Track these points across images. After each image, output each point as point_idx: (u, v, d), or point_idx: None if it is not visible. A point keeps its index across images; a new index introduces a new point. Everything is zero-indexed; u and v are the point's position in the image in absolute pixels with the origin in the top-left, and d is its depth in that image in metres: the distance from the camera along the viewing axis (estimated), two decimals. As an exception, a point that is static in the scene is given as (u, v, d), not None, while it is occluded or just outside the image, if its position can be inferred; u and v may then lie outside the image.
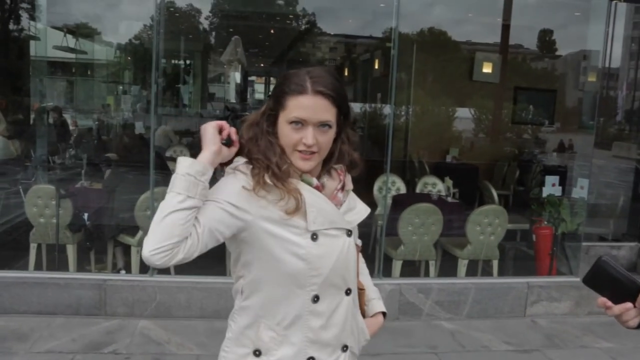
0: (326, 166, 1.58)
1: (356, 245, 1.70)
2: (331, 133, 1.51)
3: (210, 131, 1.45)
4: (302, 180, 1.51)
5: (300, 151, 1.48)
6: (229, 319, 1.64)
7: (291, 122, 1.47)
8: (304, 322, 1.53)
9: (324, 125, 1.48)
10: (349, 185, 1.63)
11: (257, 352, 1.54)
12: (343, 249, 1.53)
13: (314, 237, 1.49)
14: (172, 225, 1.36)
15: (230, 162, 1.53)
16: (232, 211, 1.44)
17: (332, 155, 1.56)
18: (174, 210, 1.37)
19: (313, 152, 1.48)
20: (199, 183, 1.40)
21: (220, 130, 1.48)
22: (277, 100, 1.51)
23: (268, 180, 1.45)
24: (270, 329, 1.53)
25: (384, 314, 1.79)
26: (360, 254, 1.81)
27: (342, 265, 1.54)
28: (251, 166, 1.49)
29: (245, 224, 1.46)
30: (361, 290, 1.73)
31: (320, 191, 1.53)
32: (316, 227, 1.48)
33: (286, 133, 1.48)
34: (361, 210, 1.64)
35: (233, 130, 1.50)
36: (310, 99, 1.46)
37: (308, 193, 1.50)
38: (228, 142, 1.49)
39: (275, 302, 1.52)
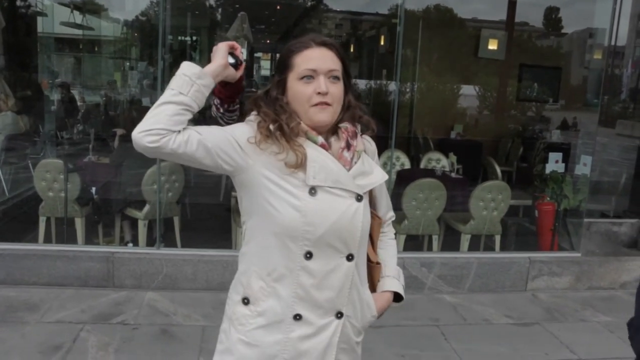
0: (334, 125, 1.57)
1: (377, 216, 1.69)
2: (340, 86, 1.54)
3: (222, 48, 1.52)
4: (307, 138, 1.52)
5: (315, 105, 1.50)
6: (238, 261, 1.67)
7: (302, 78, 1.51)
8: (294, 277, 1.51)
9: (333, 76, 1.52)
10: (360, 146, 1.59)
11: (245, 300, 1.56)
12: (347, 212, 1.51)
13: (312, 191, 1.48)
14: (161, 113, 1.41)
15: (233, 101, 1.64)
16: (236, 147, 1.48)
17: (339, 115, 1.57)
18: (164, 102, 1.43)
19: (328, 104, 1.50)
20: (193, 84, 1.44)
21: (232, 53, 1.54)
22: (284, 64, 1.55)
23: (271, 133, 1.48)
24: (260, 279, 1.54)
25: (397, 296, 1.74)
26: (391, 232, 1.81)
27: (344, 228, 1.51)
28: (258, 120, 1.52)
29: (246, 165, 1.49)
30: (376, 265, 1.71)
31: (326, 149, 1.53)
32: (316, 182, 1.48)
33: (299, 89, 1.51)
34: (377, 176, 1.61)
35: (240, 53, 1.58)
36: (316, 50, 1.52)
37: (312, 150, 1.50)
38: (236, 62, 1.55)
39: (268, 252, 1.52)
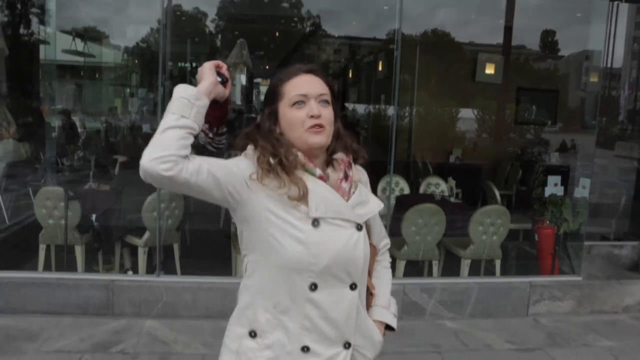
0: (328, 156, 1.60)
1: (373, 245, 1.70)
2: (331, 110, 1.57)
3: (208, 67, 1.53)
4: (306, 171, 1.53)
5: (309, 128, 1.52)
6: (238, 294, 1.66)
7: (294, 104, 1.54)
8: (300, 308, 1.52)
9: (323, 100, 1.55)
10: (356, 175, 1.62)
11: (252, 333, 1.56)
12: (349, 242, 1.52)
13: (315, 223, 1.49)
14: (167, 139, 1.39)
15: (222, 124, 1.63)
16: (242, 180, 1.48)
17: (331, 144, 1.59)
18: (169, 127, 1.41)
19: (322, 126, 1.52)
20: (192, 105, 1.44)
21: (218, 71, 1.56)
22: (273, 94, 1.58)
23: (272, 168, 1.48)
24: (266, 311, 1.54)
25: (388, 327, 1.74)
26: (386, 260, 1.82)
27: (347, 258, 1.52)
28: (257, 154, 1.52)
29: (249, 200, 1.49)
30: (369, 294, 1.71)
31: (324, 181, 1.55)
32: (318, 214, 1.49)
33: (292, 115, 1.53)
34: (373, 205, 1.64)
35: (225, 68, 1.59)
36: (304, 77, 1.57)
37: (311, 182, 1.52)
38: (223, 79, 1.57)
39: (273, 285, 1.53)
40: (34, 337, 4.14)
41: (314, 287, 1.50)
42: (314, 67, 1.60)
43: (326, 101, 1.56)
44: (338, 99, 1.70)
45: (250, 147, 1.56)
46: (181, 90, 1.46)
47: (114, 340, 4.17)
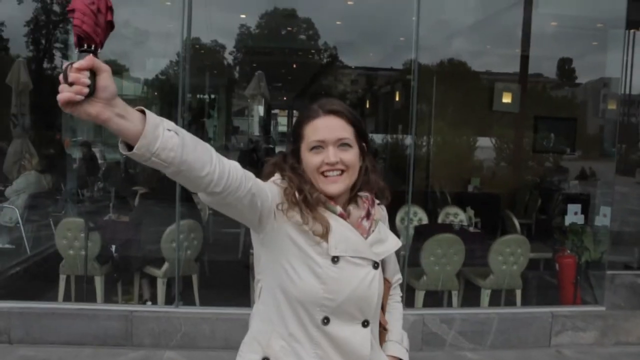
0: (352, 193, 1.58)
1: (386, 280, 1.69)
2: (353, 153, 1.54)
3: (79, 117, 1.12)
4: (326, 209, 1.53)
5: (325, 174, 1.51)
6: (249, 320, 1.66)
7: (312, 149, 1.52)
8: (314, 339, 1.51)
9: (343, 144, 1.52)
10: (378, 214, 1.62)
11: None
12: (365, 280, 1.52)
13: (335, 260, 1.49)
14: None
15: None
16: (270, 205, 1.46)
17: (357, 182, 1.58)
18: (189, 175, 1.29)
19: (342, 171, 1.51)
20: (167, 165, 1.22)
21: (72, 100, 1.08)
22: (296, 135, 1.57)
23: (297, 202, 1.48)
24: (281, 339, 1.53)
25: None
26: (397, 294, 1.80)
27: (362, 296, 1.52)
28: (284, 186, 1.52)
29: (275, 224, 1.49)
30: (383, 330, 1.70)
31: (344, 219, 1.54)
32: (338, 252, 1.49)
33: (309, 160, 1.52)
34: (391, 243, 1.63)
35: (76, 80, 1.07)
36: (323, 120, 1.52)
37: (332, 220, 1.52)
38: (91, 91, 1.09)
39: (287, 314, 1.52)
40: (53, 368, 4.15)
41: (326, 320, 1.50)
42: (335, 107, 1.54)
43: (347, 144, 1.53)
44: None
45: (277, 176, 1.57)
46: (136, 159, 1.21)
47: (132, 372, 4.17)
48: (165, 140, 1.18)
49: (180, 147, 1.20)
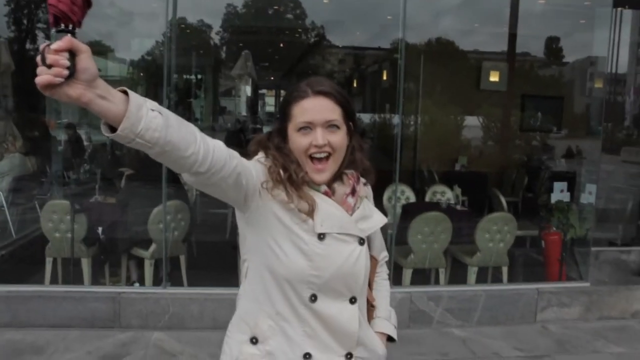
0: (337, 171, 1.57)
1: (373, 257, 1.70)
2: (341, 134, 1.52)
3: (60, 99, 1.08)
4: (311, 187, 1.54)
5: (312, 158, 1.50)
6: (236, 300, 1.66)
7: (299, 129, 1.50)
8: (302, 317, 1.52)
9: (331, 125, 1.50)
10: (362, 191, 1.62)
11: (253, 340, 1.55)
12: (351, 256, 1.52)
13: (321, 236, 1.49)
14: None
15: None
16: (255, 184, 1.46)
17: (343, 162, 1.57)
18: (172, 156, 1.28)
19: (328, 154, 1.51)
20: (152, 145, 1.20)
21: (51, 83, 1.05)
22: (283, 114, 1.55)
23: (282, 180, 1.48)
24: (268, 317, 1.54)
25: (390, 338, 1.73)
26: (384, 272, 1.81)
27: (348, 272, 1.52)
28: (268, 164, 1.51)
29: (261, 202, 1.48)
30: (371, 307, 1.71)
31: (329, 196, 1.55)
32: (324, 229, 1.49)
33: (296, 140, 1.51)
34: (376, 219, 1.63)
35: (55, 62, 1.04)
36: (312, 100, 1.50)
37: (317, 198, 1.52)
38: (71, 73, 1.05)
39: (274, 292, 1.52)
40: (40, 351, 4.15)
41: (313, 298, 1.50)
42: (324, 88, 1.52)
43: (335, 126, 1.51)
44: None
45: (261, 154, 1.56)
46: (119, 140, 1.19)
47: (121, 353, 4.18)
48: (149, 120, 1.16)
49: (164, 127, 1.18)
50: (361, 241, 1.55)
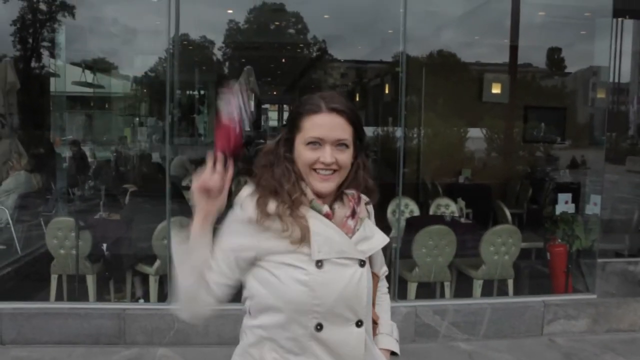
0: (338, 190, 1.55)
1: (375, 274, 1.67)
2: (349, 153, 1.51)
3: (195, 197, 1.49)
4: (311, 207, 1.51)
5: (317, 171, 1.49)
6: (240, 333, 1.65)
7: (308, 143, 1.48)
8: (307, 348, 1.49)
9: (341, 144, 1.49)
10: (363, 212, 1.58)
11: None
12: (352, 279, 1.50)
13: (319, 264, 1.46)
14: (188, 300, 1.58)
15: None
16: (240, 253, 1.51)
17: (346, 180, 1.55)
18: (183, 289, 1.56)
19: (334, 171, 1.49)
20: (188, 259, 1.52)
21: (207, 188, 1.47)
22: (292, 124, 1.52)
23: (272, 211, 1.46)
24: (273, 350, 1.52)
25: (393, 353, 1.72)
26: (384, 286, 1.79)
27: (351, 296, 1.50)
28: (257, 196, 1.50)
29: (254, 253, 1.50)
30: (374, 324, 1.69)
31: (330, 218, 1.51)
32: (321, 256, 1.46)
33: (303, 154, 1.49)
34: (378, 240, 1.60)
35: (216, 166, 1.47)
36: (325, 117, 1.48)
37: (315, 221, 1.49)
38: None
39: (279, 326, 1.50)
40: (46, 368, 4.14)
41: (319, 327, 1.48)
42: (338, 105, 1.49)
43: (345, 145, 1.50)
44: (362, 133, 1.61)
45: (246, 191, 1.54)
46: (177, 252, 1.56)
47: (126, 370, 4.17)
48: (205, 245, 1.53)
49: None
50: (362, 263, 1.52)
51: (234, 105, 1.51)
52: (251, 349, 1.57)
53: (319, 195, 1.52)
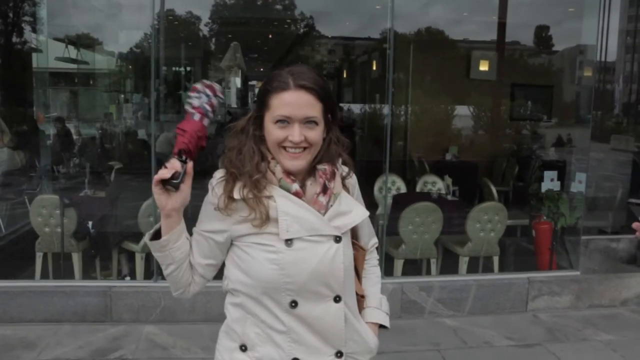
0: (311, 165, 1.53)
1: (361, 248, 1.68)
2: (318, 130, 1.49)
3: (156, 196, 1.47)
4: (280, 186, 1.50)
5: (287, 149, 1.47)
6: (224, 309, 1.66)
7: (277, 121, 1.46)
8: (285, 324, 1.51)
9: (310, 121, 1.46)
10: (338, 188, 1.56)
11: (243, 347, 1.56)
12: (326, 256, 1.49)
13: (289, 242, 1.46)
14: (173, 282, 1.62)
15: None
16: (213, 237, 1.55)
17: (317, 155, 1.53)
18: (166, 276, 1.61)
19: (304, 149, 1.47)
20: (167, 255, 1.54)
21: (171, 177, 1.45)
22: (261, 101, 1.50)
23: (236, 196, 1.47)
24: (255, 326, 1.54)
25: (383, 325, 1.72)
26: (374, 258, 1.79)
27: (325, 272, 1.49)
28: (224, 181, 1.51)
29: (227, 238, 1.54)
30: (361, 297, 1.69)
31: (300, 197, 1.50)
32: (290, 235, 1.46)
33: (272, 132, 1.47)
34: (356, 214, 1.58)
35: (173, 168, 1.46)
36: (293, 94, 1.45)
37: (284, 200, 1.48)
38: (175, 185, 1.46)
39: (256, 304, 1.52)
40: (32, 346, 4.13)
41: (294, 304, 1.49)
42: (306, 82, 1.45)
43: (314, 122, 1.47)
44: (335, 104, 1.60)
45: (219, 173, 1.55)
46: (152, 249, 1.56)
47: (112, 347, 4.17)
48: (182, 242, 1.56)
49: (185, 252, 1.58)
50: (337, 239, 1.51)
51: (199, 100, 1.54)
52: (234, 325, 1.59)
53: (290, 172, 1.51)
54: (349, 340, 1.57)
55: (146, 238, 1.57)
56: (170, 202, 1.47)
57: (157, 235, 1.54)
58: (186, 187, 1.47)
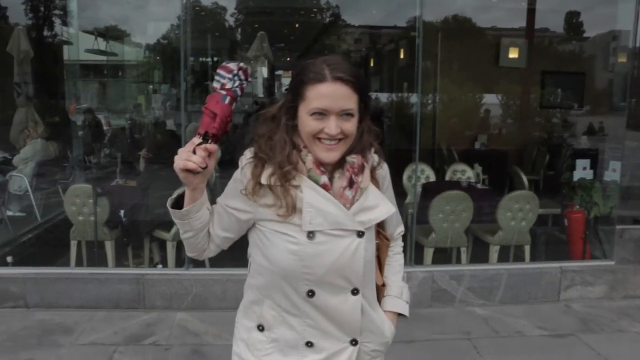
0: (342, 158, 1.51)
1: (385, 238, 1.68)
2: (354, 121, 1.46)
3: (179, 174, 1.45)
4: (309, 177, 1.48)
5: (322, 140, 1.45)
6: (244, 289, 1.68)
7: (312, 114, 1.43)
8: (302, 309, 1.52)
9: (346, 113, 1.44)
10: (365, 182, 1.53)
11: (260, 327, 1.58)
12: (347, 251, 1.48)
13: (311, 235, 1.46)
14: (188, 245, 1.62)
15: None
16: (236, 214, 1.55)
17: (350, 145, 1.51)
18: (183, 239, 1.61)
19: (339, 140, 1.45)
20: (186, 223, 1.54)
21: (187, 169, 1.44)
22: (295, 92, 1.46)
23: (264, 181, 1.46)
24: (272, 309, 1.56)
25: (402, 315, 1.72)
26: (398, 245, 1.78)
27: (345, 266, 1.49)
28: (253, 164, 1.50)
29: (250, 219, 1.54)
30: (382, 287, 1.69)
31: (327, 189, 1.48)
32: (312, 227, 1.45)
33: (307, 123, 1.44)
34: (381, 211, 1.56)
35: (200, 150, 1.44)
36: (330, 86, 1.41)
37: (311, 191, 1.47)
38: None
39: (274, 288, 1.53)
40: (69, 331, 4.22)
41: (311, 293, 1.49)
42: (343, 75, 1.42)
43: (350, 114, 1.45)
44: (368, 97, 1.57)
45: (249, 153, 1.53)
46: (172, 216, 1.55)
47: (146, 333, 4.24)
48: (203, 213, 1.55)
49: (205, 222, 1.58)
50: (360, 234, 1.50)
51: (232, 83, 1.50)
52: (253, 306, 1.61)
53: (322, 163, 1.49)
54: (364, 330, 1.59)
55: (168, 204, 1.55)
56: (196, 180, 1.46)
57: (178, 202, 1.54)
58: (210, 167, 1.46)
